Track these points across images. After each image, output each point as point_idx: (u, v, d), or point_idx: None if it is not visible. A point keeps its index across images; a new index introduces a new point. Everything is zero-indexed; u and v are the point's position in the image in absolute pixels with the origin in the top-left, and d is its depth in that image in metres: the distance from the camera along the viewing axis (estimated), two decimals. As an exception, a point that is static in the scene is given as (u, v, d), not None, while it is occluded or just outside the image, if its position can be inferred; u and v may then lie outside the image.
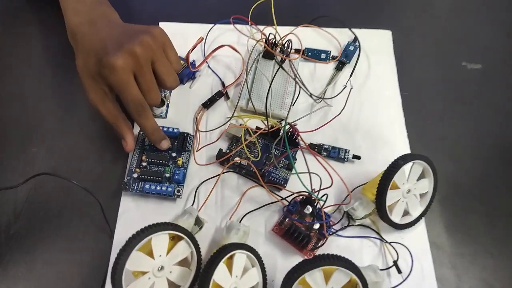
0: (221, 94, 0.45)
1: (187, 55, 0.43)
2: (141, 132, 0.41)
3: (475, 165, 0.46)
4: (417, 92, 0.49)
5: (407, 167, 0.38)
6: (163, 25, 0.49)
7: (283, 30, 0.47)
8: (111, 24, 0.39)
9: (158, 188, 0.38)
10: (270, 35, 0.44)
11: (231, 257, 0.33)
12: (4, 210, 0.38)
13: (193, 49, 0.44)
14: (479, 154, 0.46)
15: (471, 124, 0.48)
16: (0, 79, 0.45)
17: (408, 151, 0.44)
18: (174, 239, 0.34)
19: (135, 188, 0.39)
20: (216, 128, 0.43)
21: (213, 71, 0.47)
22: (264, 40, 0.44)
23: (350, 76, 0.47)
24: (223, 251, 0.32)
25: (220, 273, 0.32)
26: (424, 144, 0.46)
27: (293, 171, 0.39)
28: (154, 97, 0.37)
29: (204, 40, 0.47)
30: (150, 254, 0.33)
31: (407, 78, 0.50)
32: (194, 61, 0.46)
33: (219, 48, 0.46)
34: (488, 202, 0.43)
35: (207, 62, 0.47)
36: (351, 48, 0.48)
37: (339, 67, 0.48)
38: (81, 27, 0.38)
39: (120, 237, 0.35)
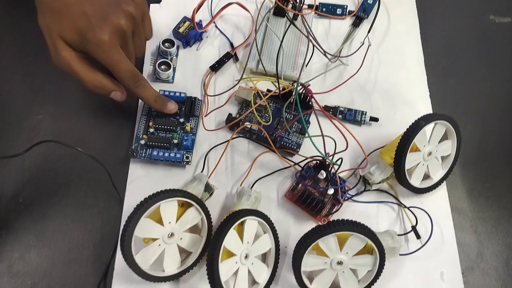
0: (229, 56, 0.42)
1: (193, 15, 0.41)
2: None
3: (502, 126, 0.43)
4: (441, 48, 0.46)
5: (428, 128, 0.35)
6: (167, -16, 0.46)
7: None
8: None
9: (167, 154, 0.37)
10: (281, -11, 0.41)
11: (242, 224, 0.32)
12: (12, 177, 0.37)
13: (198, 8, 0.42)
14: (506, 115, 0.43)
15: (499, 82, 0.45)
16: None
17: (430, 111, 0.42)
18: (184, 206, 0.34)
19: (143, 155, 0.38)
20: (225, 92, 0.41)
21: (221, 31, 0.44)
22: (274, -5, 0.41)
23: (368, 32, 0.43)
24: (233, 218, 0.31)
25: (230, 240, 0.31)
26: (447, 104, 0.43)
27: (306, 135, 0.37)
28: (138, 48, 0.37)
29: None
30: (160, 221, 0.32)
31: (430, 34, 0.46)
32: (200, 21, 0.43)
33: (227, 6, 0.43)
34: (515, 165, 0.41)
35: (214, 22, 0.44)
36: (370, 1, 0.45)
37: (357, 23, 0.45)
38: None
39: (130, 203, 0.35)
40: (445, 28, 0.47)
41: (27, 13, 0.45)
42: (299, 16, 0.39)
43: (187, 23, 0.43)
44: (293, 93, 0.36)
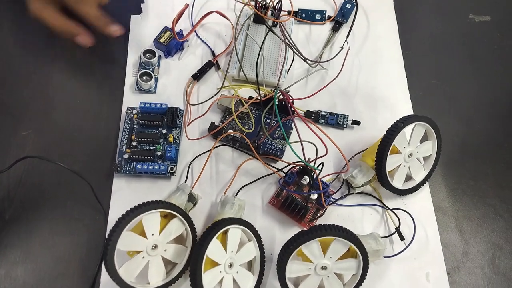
0: (211, 64, 0.43)
1: (173, 25, 0.41)
2: (128, 111, 0.40)
3: (484, 125, 0.43)
4: (421, 50, 0.46)
5: (408, 129, 0.35)
6: (148, -5, 0.46)
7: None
8: None
9: (151, 167, 0.37)
10: (258, -4, 0.41)
11: (225, 232, 0.33)
12: (-2, 195, 0.37)
13: (178, 18, 0.42)
14: (489, 114, 0.44)
15: (480, 81, 0.45)
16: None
17: (411, 113, 0.42)
18: (167, 217, 0.34)
19: (127, 169, 0.38)
20: (207, 100, 0.41)
21: (202, 40, 0.44)
22: (253, 3, 0.41)
23: (347, 36, 0.44)
24: (216, 227, 0.32)
25: (213, 249, 0.31)
26: (429, 105, 0.43)
27: (288, 143, 0.37)
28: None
29: (191, 8, 0.45)
30: (143, 233, 0.32)
31: (410, 36, 0.47)
32: (181, 30, 0.44)
33: (207, 15, 0.44)
34: (498, 164, 0.41)
35: (195, 31, 0.44)
36: (348, 6, 0.45)
37: (336, 28, 0.45)
38: None
39: (115, 217, 0.34)
40: (425, 29, 0.48)
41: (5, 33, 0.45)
42: (280, 24, 0.40)
43: (168, 33, 0.43)
44: (273, 99, 0.37)
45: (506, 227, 0.39)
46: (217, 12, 0.43)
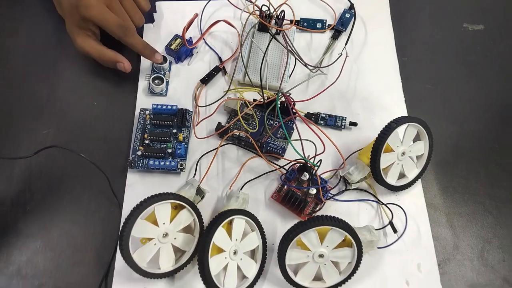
0: (218, 69, 0.46)
1: (183, 33, 0.44)
2: (141, 112, 0.43)
3: (476, 127, 0.46)
4: (417, 56, 0.49)
5: (400, 129, 0.38)
6: (160, 4, 0.50)
7: (277, 2, 0.47)
8: None
9: (162, 163, 0.40)
10: (263, 6, 0.44)
11: (231, 222, 0.35)
12: (20, 188, 0.40)
13: (188, 26, 0.45)
14: (480, 116, 0.46)
15: (473, 86, 0.48)
16: (6, 63, 0.47)
17: (405, 115, 0.44)
18: (177, 208, 0.36)
19: (140, 165, 0.41)
20: (215, 102, 0.44)
21: (210, 47, 0.48)
22: (257, 12, 0.45)
23: (346, 44, 0.47)
24: (222, 217, 0.34)
25: (219, 237, 0.34)
26: (423, 108, 0.46)
27: (289, 141, 0.40)
28: (135, 20, 0.44)
29: (200, 17, 0.48)
30: (155, 222, 0.35)
31: (407, 43, 0.49)
32: (191, 38, 0.47)
33: (215, 24, 0.47)
34: (489, 164, 0.44)
35: (204, 39, 0.48)
36: (347, 15, 0.48)
37: (336, 36, 0.48)
38: None
39: (128, 209, 0.37)
40: (420, 38, 0.50)
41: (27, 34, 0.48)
42: (283, 32, 0.43)
43: (178, 40, 0.46)
44: (276, 101, 0.39)
45: (494, 223, 0.41)
46: (224, 21, 0.47)
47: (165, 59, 0.45)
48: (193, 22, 0.46)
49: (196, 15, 0.46)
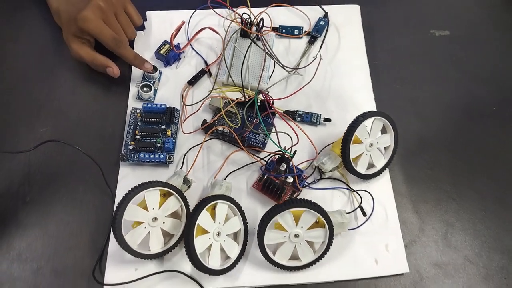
0: (204, 72, 0.50)
1: (171, 39, 0.48)
2: (133, 111, 0.47)
3: (440, 122, 0.50)
4: (387, 60, 0.53)
5: (367, 122, 0.42)
6: (150, 13, 0.54)
7: (258, 11, 0.52)
8: None
9: (152, 156, 0.44)
10: (244, 14, 0.49)
11: (214, 207, 0.39)
12: (20, 181, 0.44)
13: (176, 33, 0.49)
14: (445, 113, 0.50)
15: (438, 87, 0.52)
16: (7, 66, 0.50)
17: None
18: (166, 196, 0.40)
19: (131, 158, 0.44)
20: (200, 101, 0.48)
21: (196, 52, 0.52)
22: (239, 20, 0.49)
23: (320, 48, 0.51)
24: (206, 201, 0.38)
25: (203, 219, 0.37)
26: (392, 106, 0.50)
27: (266, 135, 0.44)
28: (128, 33, 0.49)
29: (187, 25, 0.52)
30: (145, 208, 0.38)
31: (377, 48, 0.54)
32: (178, 43, 0.51)
33: (201, 31, 0.51)
34: (452, 155, 0.48)
35: (191, 45, 0.52)
36: (322, 23, 0.53)
37: (312, 41, 0.52)
38: (61, 6, 0.48)
39: (120, 198, 0.41)
40: (390, 43, 0.55)
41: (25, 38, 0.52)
42: (262, 37, 0.47)
43: (167, 46, 0.50)
44: (254, 99, 0.43)
45: (457, 208, 0.45)
46: (210, 28, 0.51)
47: (155, 69, 0.49)
48: (181, 30, 0.51)
49: (183, 22, 0.50)
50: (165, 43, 0.50)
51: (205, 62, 0.51)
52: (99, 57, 0.48)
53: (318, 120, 0.47)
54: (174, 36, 0.49)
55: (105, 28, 0.46)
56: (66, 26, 0.47)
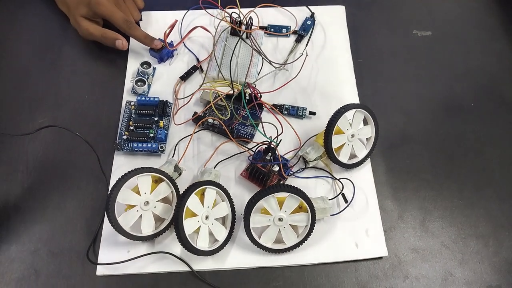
0: (196, 68, 0.52)
1: (165, 37, 0.51)
2: (127, 103, 0.49)
3: (421, 117, 0.52)
4: (372, 59, 0.56)
5: (349, 114, 0.45)
6: (145, 13, 0.57)
7: (247, 11, 0.54)
8: None
9: (145, 145, 0.46)
10: (234, 14, 0.51)
11: (203, 193, 0.41)
12: (19, 168, 0.46)
13: (170, 31, 0.52)
14: (426, 109, 0.53)
15: (419, 83, 0.55)
16: (10, 59, 0.53)
17: (357, 105, 0.51)
18: (157, 182, 0.42)
19: (125, 148, 0.47)
20: (191, 95, 0.50)
21: (189, 49, 0.54)
22: (228, 19, 0.52)
23: (306, 46, 0.54)
24: (195, 185, 0.40)
25: (192, 202, 0.40)
26: (375, 101, 0.52)
27: (253, 125, 0.46)
28: (134, 16, 0.54)
29: (180, 24, 0.55)
30: (138, 192, 0.41)
31: (362, 47, 0.56)
32: (172, 41, 0.54)
33: (193, 29, 0.54)
34: (432, 148, 0.50)
35: (183, 42, 0.54)
36: (309, 22, 0.56)
37: (299, 40, 0.55)
38: None
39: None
40: (374, 42, 0.57)
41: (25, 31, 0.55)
42: (250, 35, 0.50)
43: (161, 43, 0.53)
44: (241, 90, 0.46)
45: (436, 196, 0.47)
46: (201, 27, 0.54)
47: (149, 65, 0.52)
48: (174, 28, 0.53)
49: (176, 21, 0.53)
50: (159, 41, 0.53)
51: (197, 59, 0.53)
52: (108, 31, 0.52)
53: (304, 113, 0.50)
54: (167, 34, 0.51)
55: (117, 10, 0.50)
56: (75, 9, 0.51)
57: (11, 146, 0.47)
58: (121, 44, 0.51)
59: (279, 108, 0.50)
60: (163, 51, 0.53)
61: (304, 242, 0.42)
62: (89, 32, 0.51)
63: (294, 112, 0.50)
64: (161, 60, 0.53)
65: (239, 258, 0.42)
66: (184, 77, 0.52)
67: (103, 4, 0.50)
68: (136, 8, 0.55)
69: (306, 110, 0.50)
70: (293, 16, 0.57)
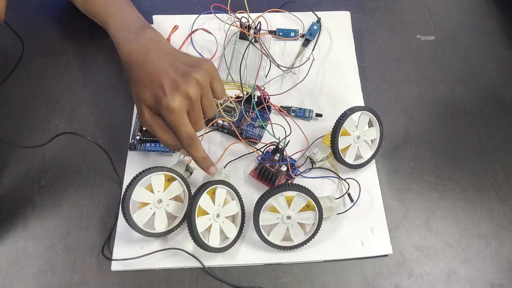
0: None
1: (167, 40, 0.53)
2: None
3: (425, 119, 0.54)
4: (376, 62, 0.58)
5: (355, 116, 0.46)
6: (156, 17, 0.58)
7: (256, 15, 0.56)
8: (163, 53, 0.42)
9: (157, 145, 0.48)
10: (243, 18, 0.53)
11: (214, 192, 0.43)
12: (36, 166, 0.48)
13: (170, 34, 0.54)
14: (429, 111, 0.54)
15: (422, 86, 0.56)
16: (25, 64, 0.55)
17: (362, 108, 0.53)
18: (170, 181, 0.44)
19: (138, 148, 0.48)
20: (202, 97, 0.52)
21: (196, 50, 0.56)
22: (238, 23, 0.53)
23: (313, 50, 0.56)
24: (206, 185, 0.41)
25: (204, 201, 0.41)
26: (380, 104, 0.54)
27: (262, 126, 0.48)
28: (200, 126, 0.42)
29: (191, 28, 0.57)
30: (151, 190, 0.42)
31: (366, 51, 0.58)
32: (181, 45, 0.55)
33: (195, 31, 0.56)
34: (434, 149, 0.52)
35: (192, 43, 0.56)
36: (315, 27, 0.57)
37: (305, 44, 0.57)
38: (134, 55, 0.42)
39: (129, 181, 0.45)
40: (379, 46, 0.59)
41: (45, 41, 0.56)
42: (259, 39, 0.52)
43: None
44: (251, 92, 0.47)
45: (439, 197, 0.49)
46: (203, 29, 0.55)
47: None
48: (182, 33, 0.55)
49: (177, 27, 0.55)
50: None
51: (206, 61, 0.55)
52: (173, 139, 0.41)
53: (310, 115, 0.51)
54: (168, 38, 0.53)
55: (186, 123, 0.40)
56: (139, 88, 0.41)
57: (28, 151, 0.49)
58: (211, 171, 0.43)
59: (286, 110, 0.52)
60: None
61: (311, 240, 0.43)
62: (151, 128, 0.41)
63: (302, 114, 0.51)
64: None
65: (248, 254, 0.43)
66: (194, 80, 0.53)
67: (174, 112, 0.39)
68: (213, 105, 0.42)
69: (312, 112, 0.51)
70: (299, 21, 0.59)
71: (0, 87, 0.52)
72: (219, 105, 0.49)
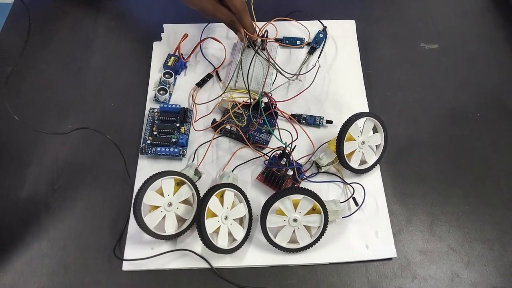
0: (210, 75, 0.56)
1: (178, 50, 0.54)
2: (151, 110, 0.52)
3: (429, 126, 0.55)
4: (381, 70, 0.59)
5: (360, 122, 0.47)
6: (167, 26, 0.60)
7: (263, 24, 0.58)
8: None
9: (167, 150, 0.49)
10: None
11: (222, 195, 0.44)
12: (49, 170, 0.49)
13: (179, 44, 0.55)
14: (433, 117, 0.55)
15: (426, 93, 0.57)
16: (42, 70, 0.57)
17: (367, 114, 0.54)
18: (179, 185, 0.45)
19: (149, 152, 0.50)
20: (210, 101, 0.53)
21: (205, 58, 0.57)
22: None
23: (318, 57, 0.57)
24: (215, 188, 0.43)
25: (213, 203, 0.42)
26: (384, 110, 0.55)
27: (270, 131, 0.49)
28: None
29: (200, 36, 0.58)
30: (161, 194, 0.43)
31: (371, 59, 0.59)
32: (182, 54, 0.56)
33: (204, 39, 0.57)
34: (439, 155, 0.52)
35: (201, 50, 0.57)
36: (321, 35, 0.59)
37: (311, 51, 0.58)
38: None
39: (140, 185, 0.46)
40: (383, 54, 0.60)
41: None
42: (265, 47, 0.53)
43: (173, 58, 0.55)
44: (259, 98, 0.49)
45: (443, 202, 0.50)
46: (212, 37, 0.57)
47: (171, 74, 0.54)
48: (192, 41, 0.56)
49: (186, 35, 0.56)
50: (169, 56, 0.55)
51: (214, 67, 0.56)
52: (235, 19, 0.51)
53: (320, 122, 0.52)
54: (178, 48, 0.55)
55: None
56: None
57: (43, 146, 0.51)
58: (240, 36, 0.52)
59: (297, 118, 0.53)
60: (177, 64, 0.55)
61: (317, 243, 0.44)
62: (213, 14, 0.50)
63: (312, 121, 0.52)
64: (176, 73, 0.56)
65: (255, 256, 0.45)
66: (200, 84, 0.55)
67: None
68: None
69: (323, 119, 0.52)
70: (306, 29, 0.60)
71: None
72: (229, 107, 0.50)
